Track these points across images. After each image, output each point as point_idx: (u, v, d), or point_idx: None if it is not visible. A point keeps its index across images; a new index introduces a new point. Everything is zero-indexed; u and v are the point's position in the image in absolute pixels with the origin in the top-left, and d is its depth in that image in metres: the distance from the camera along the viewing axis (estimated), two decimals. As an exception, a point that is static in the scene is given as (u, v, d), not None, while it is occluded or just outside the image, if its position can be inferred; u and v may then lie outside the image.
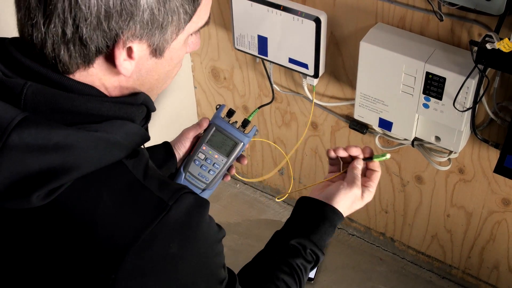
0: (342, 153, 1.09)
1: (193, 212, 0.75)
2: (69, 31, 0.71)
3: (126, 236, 0.71)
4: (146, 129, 0.85)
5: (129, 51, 0.75)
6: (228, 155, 1.16)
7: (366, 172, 1.10)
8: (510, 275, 1.69)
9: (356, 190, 1.05)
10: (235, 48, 1.62)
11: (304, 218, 1.04)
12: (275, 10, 1.45)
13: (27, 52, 0.74)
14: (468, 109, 1.29)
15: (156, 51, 0.77)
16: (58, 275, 0.73)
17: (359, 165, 1.08)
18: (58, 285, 0.73)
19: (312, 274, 1.87)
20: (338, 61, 1.55)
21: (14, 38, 0.77)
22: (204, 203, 0.77)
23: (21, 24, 0.73)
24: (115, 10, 0.71)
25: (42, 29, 0.71)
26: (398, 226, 1.85)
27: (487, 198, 1.56)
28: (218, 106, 1.20)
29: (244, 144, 1.17)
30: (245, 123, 1.20)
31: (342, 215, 1.04)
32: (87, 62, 0.74)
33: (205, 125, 1.19)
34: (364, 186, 1.08)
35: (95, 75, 0.75)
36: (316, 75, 1.52)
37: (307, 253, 1.00)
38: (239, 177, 1.49)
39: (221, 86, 1.91)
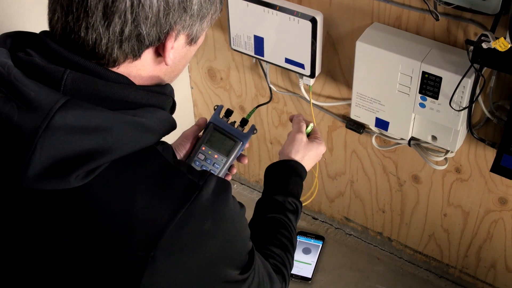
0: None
1: (220, 191, 0.80)
2: (127, 30, 0.75)
3: (163, 215, 0.75)
4: None
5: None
6: (227, 154, 1.16)
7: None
8: (507, 274, 1.69)
9: (299, 135, 1.21)
10: (232, 49, 1.62)
11: (273, 179, 1.17)
12: (271, 10, 1.45)
13: (61, 43, 0.77)
14: (464, 108, 1.29)
15: (192, 40, 0.83)
16: (95, 255, 0.76)
17: (297, 116, 1.26)
18: (96, 264, 0.76)
19: (309, 274, 1.87)
20: (335, 61, 1.55)
21: (46, 31, 0.80)
22: (227, 184, 0.83)
23: (70, 27, 0.76)
24: (173, 6, 0.75)
25: (100, 29, 0.74)
26: (395, 225, 1.85)
27: (484, 197, 1.56)
28: (216, 107, 1.20)
29: (243, 143, 1.17)
30: (244, 122, 1.20)
31: (298, 163, 1.18)
32: (136, 55, 0.78)
33: (203, 124, 1.20)
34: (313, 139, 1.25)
35: (136, 66, 0.80)
36: (312, 75, 1.52)
37: (287, 203, 1.12)
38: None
39: (217, 86, 1.91)
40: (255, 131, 1.20)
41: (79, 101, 0.73)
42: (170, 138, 1.20)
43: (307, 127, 1.25)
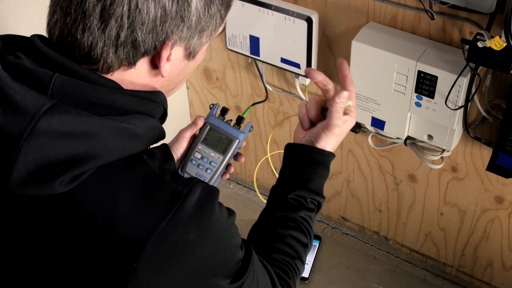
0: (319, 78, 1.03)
1: (205, 199, 0.78)
2: (123, 35, 0.74)
3: (146, 225, 0.74)
4: None
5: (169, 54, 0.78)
6: (224, 152, 1.16)
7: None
8: (503, 272, 1.70)
9: (337, 129, 1.01)
10: (227, 49, 1.61)
11: (296, 167, 1.03)
12: (266, 10, 1.45)
13: (56, 46, 0.76)
14: (460, 107, 1.29)
15: (190, 54, 0.81)
16: (77, 264, 0.74)
17: (340, 100, 1.00)
18: (78, 274, 0.75)
19: (306, 274, 1.87)
20: (330, 61, 1.55)
21: (38, 35, 0.79)
22: (214, 191, 0.80)
23: (67, 28, 0.75)
24: (170, 14, 0.74)
25: (96, 32, 0.73)
26: (391, 224, 1.85)
27: (480, 196, 1.56)
28: (211, 105, 1.20)
29: (239, 141, 1.17)
30: (239, 120, 1.20)
31: (331, 154, 1.03)
32: (131, 63, 0.77)
33: (200, 123, 1.20)
34: (345, 114, 1.03)
35: (130, 74, 0.79)
36: (308, 75, 1.52)
37: (308, 202, 1.02)
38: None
39: (213, 86, 1.91)
40: (251, 129, 1.20)
41: (65, 105, 0.72)
42: (166, 138, 1.20)
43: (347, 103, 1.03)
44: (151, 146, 0.85)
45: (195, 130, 1.20)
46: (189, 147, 1.20)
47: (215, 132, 1.17)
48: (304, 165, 1.02)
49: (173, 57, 0.79)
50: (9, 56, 0.77)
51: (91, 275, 0.74)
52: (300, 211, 1.01)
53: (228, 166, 1.18)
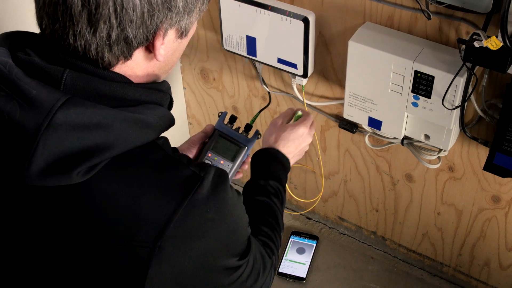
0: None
1: (219, 181, 0.83)
2: (114, 34, 0.76)
3: (169, 206, 0.78)
4: None
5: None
6: (233, 160, 1.19)
7: None
8: (500, 271, 1.70)
9: (275, 119, 1.29)
10: (224, 49, 1.61)
11: (256, 165, 1.22)
12: (263, 10, 1.45)
13: (55, 47, 0.78)
14: (457, 107, 1.29)
15: (182, 34, 0.84)
16: (99, 248, 0.78)
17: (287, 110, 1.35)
18: (101, 258, 0.78)
19: (303, 274, 1.87)
20: (327, 61, 1.55)
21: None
22: (224, 173, 0.85)
23: (58, 34, 0.77)
24: (157, 7, 0.76)
25: (87, 36, 0.75)
26: (389, 224, 1.86)
27: (477, 196, 1.56)
28: (220, 113, 1.23)
29: (248, 148, 1.20)
30: (248, 127, 1.23)
31: (275, 149, 1.23)
32: (127, 56, 0.80)
33: (210, 131, 1.22)
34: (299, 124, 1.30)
35: (130, 65, 0.81)
36: (305, 75, 1.52)
37: (268, 186, 1.17)
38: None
39: (210, 87, 1.91)
40: (259, 136, 1.23)
41: (80, 99, 0.75)
42: (176, 143, 1.21)
43: (296, 113, 1.32)
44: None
45: (204, 137, 1.23)
46: (198, 154, 1.22)
47: (224, 140, 1.20)
48: (261, 163, 1.22)
49: (166, 40, 0.81)
50: (18, 53, 0.79)
51: (116, 256, 0.77)
52: (267, 194, 1.16)
53: (236, 173, 1.21)
